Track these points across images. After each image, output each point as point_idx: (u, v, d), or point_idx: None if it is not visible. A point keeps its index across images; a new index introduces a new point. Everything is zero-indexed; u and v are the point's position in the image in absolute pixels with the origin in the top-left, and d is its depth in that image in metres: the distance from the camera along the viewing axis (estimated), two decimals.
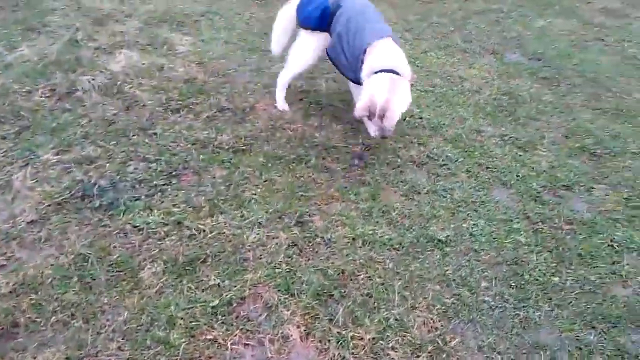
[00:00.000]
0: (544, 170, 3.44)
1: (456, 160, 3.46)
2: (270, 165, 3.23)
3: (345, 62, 3.32)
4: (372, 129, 3.50)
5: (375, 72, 3.06)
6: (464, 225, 2.97)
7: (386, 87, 3.02)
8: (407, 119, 3.79)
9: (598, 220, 3.08)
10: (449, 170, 3.37)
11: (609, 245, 2.92)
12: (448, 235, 2.88)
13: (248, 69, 4.24)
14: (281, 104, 3.75)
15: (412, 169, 3.36)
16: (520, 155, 3.57)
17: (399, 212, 3.01)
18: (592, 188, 3.34)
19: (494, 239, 2.90)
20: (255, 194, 3.00)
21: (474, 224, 2.98)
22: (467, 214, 3.05)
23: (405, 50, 3.29)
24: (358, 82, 3.27)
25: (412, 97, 4.01)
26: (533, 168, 3.46)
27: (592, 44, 5.37)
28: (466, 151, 3.55)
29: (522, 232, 2.96)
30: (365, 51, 3.15)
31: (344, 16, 3.28)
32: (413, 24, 5.54)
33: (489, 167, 3.43)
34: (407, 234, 2.87)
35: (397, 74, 3.06)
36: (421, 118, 3.85)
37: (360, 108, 3.06)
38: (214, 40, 4.57)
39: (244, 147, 3.35)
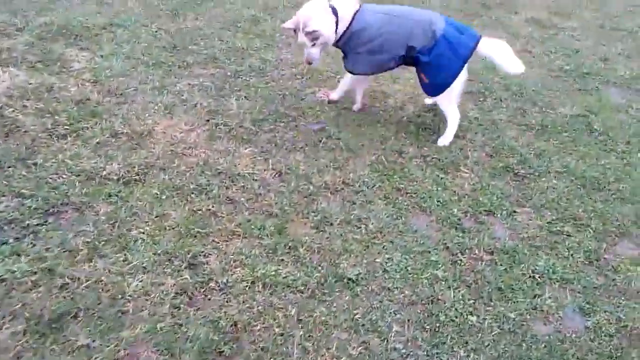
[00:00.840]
0: (466, 194, 3.23)
1: (373, 186, 3.20)
2: (164, 197, 2.89)
3: None
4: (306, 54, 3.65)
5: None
6: (377, 260, 2.71)
7: (315, 7, 3.44)
8: (323, 140, 3.53)
9: (520, 248, 2.88)
10: (365, 197, 3.11)
11: (530, 277, 2.72)
12: (359, 273, 2.62)
13: (149, 87, 3.86)
14: None
15: (325, 197, 3.09)
16: (441, 177, 3.35)
17: (308, 247, 2.73)
18: (515, 212, 3.15)
19: (410, 274, 2.66)
20: (143, 233, 2.66)
21: (388, 258, 2.73)
22: (383, 247, 2.80)
23: None
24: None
25: (331, 116, 3.77)
26: (455, 192, 3.25)
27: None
28: (385, 175, 3.30)
29: (440, 265, 2.73)
30: None
31: None
32: None
33: (409, 192, 3.20)
34: (314, 272, 2.59)
35: (335, 10, 3.46)
36: (339, 139, 3.58)
37: (290, 21, 3.48)
38: (114, 55, 4.16)
39: (136, 178, 2.99)
